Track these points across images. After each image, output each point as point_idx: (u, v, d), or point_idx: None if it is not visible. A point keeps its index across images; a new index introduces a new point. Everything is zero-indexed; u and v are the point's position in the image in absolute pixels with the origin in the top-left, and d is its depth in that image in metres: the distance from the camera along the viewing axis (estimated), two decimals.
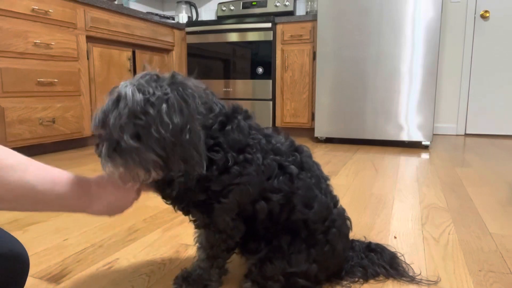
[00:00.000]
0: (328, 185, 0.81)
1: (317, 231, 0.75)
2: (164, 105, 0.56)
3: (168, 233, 1.12)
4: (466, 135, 3.46)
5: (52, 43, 2.28)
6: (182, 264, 0.92)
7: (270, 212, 0.71)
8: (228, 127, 0.66)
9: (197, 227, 0.76)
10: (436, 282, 0.85)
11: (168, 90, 0.58)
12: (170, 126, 0.56)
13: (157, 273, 0.87)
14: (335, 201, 0.81)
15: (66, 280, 0.84)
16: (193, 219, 0.74)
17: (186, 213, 0.73)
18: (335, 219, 0.77)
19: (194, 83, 0.63)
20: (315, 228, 0.74)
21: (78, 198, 0.63)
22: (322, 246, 0.75)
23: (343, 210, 0.82)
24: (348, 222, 0.83)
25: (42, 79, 2.24)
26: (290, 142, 0.77)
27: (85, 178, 0.65)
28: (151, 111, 0.56)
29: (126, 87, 0.58)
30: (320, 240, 0.75)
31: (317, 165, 0.80)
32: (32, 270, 0.88)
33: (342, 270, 0.84)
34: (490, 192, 1.57)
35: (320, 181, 0.77)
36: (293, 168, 0.72)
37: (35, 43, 2.18)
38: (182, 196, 0.68)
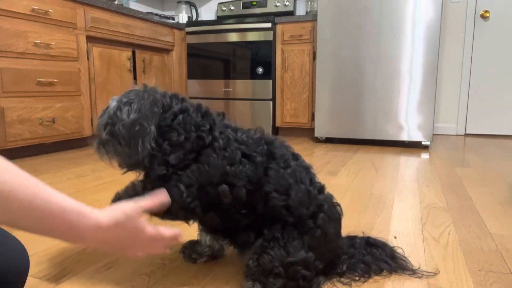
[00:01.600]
0: (310, 173, 0.83)
1: (303, 216, 0.77)
2: (127, 107, 0.76)
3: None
4: (466, 135, 3.46)
5: (52, 43, 2.28)
6: (182, 264, 0.92)
7: (237, 197, 0.75)
8: (179, 116, 0.78)
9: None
10: (435, 274, 0.87)
11: (134, 97, 0.77)
12: (124, 123, 0.74)
13: (157, 273, 0.87)
14: (319, 187, 0.83)
15: (66, 280, 0.84)
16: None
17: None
18: (321, 204, 0.79)
19: (154, 91, 0.80)
20: (301, 214, 0.76)
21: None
22: (314, 232, 0.77)
23: (331, 196, 0.84)
24: (338, 208, 0.85)
25: (42, 79, 2.24)
26: (261, 136, 0.82)
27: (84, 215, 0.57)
28: (118, 113, 0.76)
29: (113, 99, 0.79)
30: (310, 226, 0.77)
31: (295, 155, 0.83)
32: (32, 270, 0.88)
33: (340, 260, 0.85)
34: (490, 192, 1.57)
35: (296, 170, 0.80)
36: (258, 157, 0.77)
37: (35, 43, 2.18)
38: (147, 172, 0.78)
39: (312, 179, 0.82)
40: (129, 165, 0.79)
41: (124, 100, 0.77)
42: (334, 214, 0.82)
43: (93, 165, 2.05)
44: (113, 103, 0.78)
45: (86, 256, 0.96)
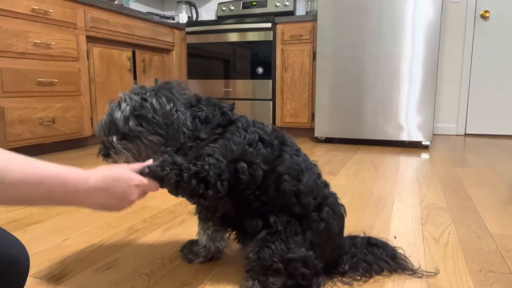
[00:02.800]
0: (315, 166, 0.85)
1: (309, 206, 0.78)
2: (154, 99, 0.76)
3: (168, 233, 1.11)
4: (466, 135, 3.46)
5: (52, 43, 2.28)
6: (182, 264, 0.92)
7: (253, 176, 0.76)
8: (202, 99, 0.83)
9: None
10: (435, 274, 0.87)
11: (155, 88, 0.79)
12: (162, 111, 0.76)
13: (157, 273, 0.87)
14: (325, 182, 0.85)
15: (66, 280, 0.84)
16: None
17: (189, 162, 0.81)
18: (327, 196, 0.81)
19: (175, 82, 0.83)
20: (308, 202, 0.77)
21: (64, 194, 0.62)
22: (317, 226, 0.77)
23: (335, 194, 0.86)
24: (342, 208, 0.86)
25: (42, 79, 2.24)
26: (273, 127, 0.86)
27: (74, 178, 0.64)
28: (146, 104, 0.76)
29: (124, 94, 0.78)
30: (314, 219, 0.78)
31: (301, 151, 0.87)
32: (32, 270, 0.88)
33: (341, 260, 0.85)
34: (490, 192, 1.57)
35: (306, 159, 0.84)
36: (274, 140, 0.81)
37: (35, 43, 2.18)
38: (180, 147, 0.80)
39: (319, 173, 0.85)
40: (160, 152, 0.78)
41: (147, 92, 0.77)
42: (338, 209, 0.83)
43: (94, 165, 2.05)
44: (132, 97, 0.77)
45: (86, 256, 0.96)
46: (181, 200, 1.46)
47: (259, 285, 0.75)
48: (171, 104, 0.77)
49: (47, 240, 1.06)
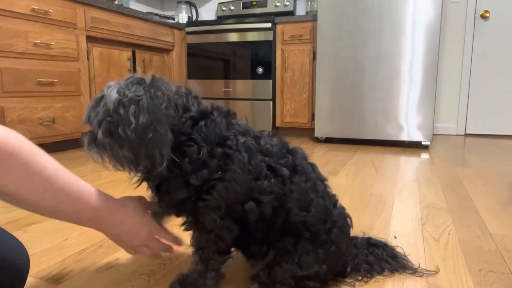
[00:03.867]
0: (325, 186, 0.80)
1: (319, 232, 0.74)
2: (133, 106, 0.61)
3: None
4: (466, 135, 3.46)
5: (52, 43, 2.28)
6: (182, 264, 0.92)
7: (262, 215, 0.70)
8: (201, 123, 0.67)
9: (186, 229, 0.75)
10: (435, 273, 0.87)
11: (142, 92, 0.63)
12: (133, 126, 0.60)
13: (157, 273, 0.87)
14: (334, 201, 0.80)
15: (66, 280, 0.84)
16: (182, 222, 0.74)
17: (175, 214, 0.74)
18: (335, 220, 0.77)
19: (167, 87, 0.67)
20: (316, 230, 0.74)
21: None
22: (328, 247, 0.74)
23: (343, 209, 0.82)
24: (348, 220, 0.83)
25: (42, 79, 2.24)
26: (282, 143, 0.76)
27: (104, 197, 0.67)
28: (121, 111, 0.61)
29: (109, 87, 0.65)
30: (325, 241, 0.74)
31: (313, 166, 0.79)
32: (32, 270, 0.88)
33: (346, 268, 0.84)
34: (490, 192, 1.57)
35: (316, 183, 0.76)
36: (285, 170, 0.71)
37: (35, 43, 2.18)
38: (164, 194, 0.70)
39: (329, 193, 0.80)
40: (137, 172, 0.68)
41: (129, 94, 0.62)
42: (345, 229, 0.80)
43: (93, 165, 2.05)
44: (112, 94, 0.63)
45: (86, 256, 0.96)
46: None
47: None
48: (148, 118, 0.61)
49: (47, 240, 1.06)
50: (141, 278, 0.85)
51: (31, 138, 2.20)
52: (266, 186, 0.69)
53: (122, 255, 0.97)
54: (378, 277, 0.86)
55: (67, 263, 0.92)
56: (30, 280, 0.84)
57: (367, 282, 0.84)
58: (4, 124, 2.04)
